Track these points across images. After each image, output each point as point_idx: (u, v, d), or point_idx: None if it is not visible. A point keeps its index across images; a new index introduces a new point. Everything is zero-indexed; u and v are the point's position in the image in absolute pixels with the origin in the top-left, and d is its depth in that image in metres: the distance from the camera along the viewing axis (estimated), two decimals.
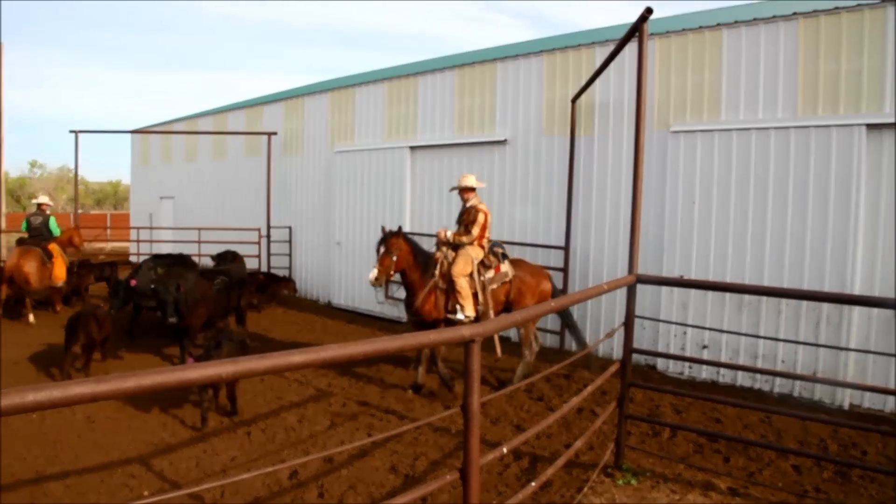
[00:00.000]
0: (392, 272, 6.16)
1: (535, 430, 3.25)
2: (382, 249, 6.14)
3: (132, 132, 17.79)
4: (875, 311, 5.83)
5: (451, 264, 6.22)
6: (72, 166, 19.41)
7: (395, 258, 6.09)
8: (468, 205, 6.37)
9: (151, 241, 14.57)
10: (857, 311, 5.93)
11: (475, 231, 6.23)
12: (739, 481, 4.20)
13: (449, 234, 6.32)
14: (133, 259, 15.05)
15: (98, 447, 4.84)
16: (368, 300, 10.68)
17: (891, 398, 5.75)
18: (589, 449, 4.79)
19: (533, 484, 3.25)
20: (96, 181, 48.05)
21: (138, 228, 14.82)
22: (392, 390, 6.50)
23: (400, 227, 6.37)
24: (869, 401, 5.94)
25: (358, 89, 11.08)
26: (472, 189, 6.40)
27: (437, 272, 6.24)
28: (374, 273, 6.08)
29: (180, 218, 15.71)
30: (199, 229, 12.80)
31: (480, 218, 6.25)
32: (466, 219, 6.31)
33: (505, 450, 2.93)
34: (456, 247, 6.32)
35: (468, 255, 6.23)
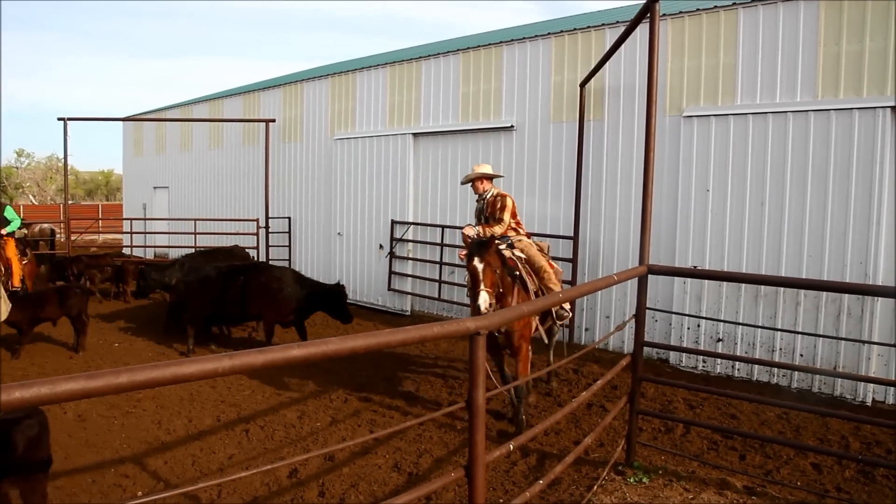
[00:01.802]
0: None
1: (544, 426, 3.31)
2: (481, 266, 4.73)
3: (124, 120, 17.48)
4: None
5: (526, 258, 5.50)
6: (60, 155, 19.16)
7: (497, 272, 4.85)
8: (489, 195, 5.64)
9: (145, 233, 14.45)
10: (880, 302, 5.77)
11: (507, 217, 5.53)
12: (756, 480, 4.09)
13: (477, 229, 5.42)
14: (126, 251, 14.86)
15: (90, 446, 4.78)
16: (370, 293, 10.54)
17: None
18: (599, 446, 4.71)
19: (541, 482, 3.19)
20: (87, 171, 47.70)
21: (131, 219, 14.62)
22: (395, 385, 6.37)
23: (492, 236, 5.21)
24: (893, 396, 5.82)
25: (359, 74, 10.85)
26: (490, 179, 5.75)
27: (520, 268, 5.36)
28: (485, 299, 4.65)
29: (175, 208, 15.55)
30: (195, 220, 12.63)
31: (508, 203, 5.53)
32: (492, 209, 5.62)
33: (512, 446, 2.90)
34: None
35: (531, 244, 5.67)
